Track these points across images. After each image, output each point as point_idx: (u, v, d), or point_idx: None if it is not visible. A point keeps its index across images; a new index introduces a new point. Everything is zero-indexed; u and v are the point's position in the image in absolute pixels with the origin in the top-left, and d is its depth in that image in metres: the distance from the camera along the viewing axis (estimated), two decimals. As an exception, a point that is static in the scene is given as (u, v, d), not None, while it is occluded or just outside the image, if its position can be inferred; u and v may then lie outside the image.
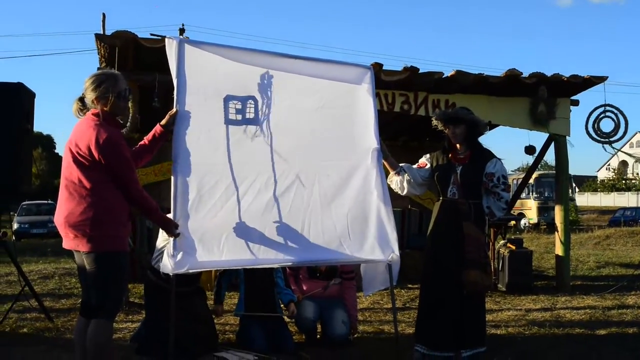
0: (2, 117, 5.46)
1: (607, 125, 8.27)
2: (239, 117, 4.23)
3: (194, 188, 4.02)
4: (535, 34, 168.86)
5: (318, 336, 5.37)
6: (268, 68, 4.32)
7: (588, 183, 57.78)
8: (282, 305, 5.32)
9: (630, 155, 47.45)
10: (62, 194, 3.65)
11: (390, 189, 4.71)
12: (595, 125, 8.25)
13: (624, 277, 8.89)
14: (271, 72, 4.33)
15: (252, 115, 4.27)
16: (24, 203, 23.45)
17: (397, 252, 4.44)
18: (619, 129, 8.23)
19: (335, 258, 4.45)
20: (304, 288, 5.45)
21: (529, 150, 8.67)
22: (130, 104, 3.93)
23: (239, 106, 4.22)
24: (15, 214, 21.91)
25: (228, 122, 4.19)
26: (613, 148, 8.44)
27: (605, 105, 8.22)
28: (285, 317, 5.28)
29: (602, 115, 8.26)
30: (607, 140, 8.28)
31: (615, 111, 8.23)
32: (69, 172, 3.63)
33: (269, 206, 4.23)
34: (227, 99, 4.20)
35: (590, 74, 7.73)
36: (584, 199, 50.27)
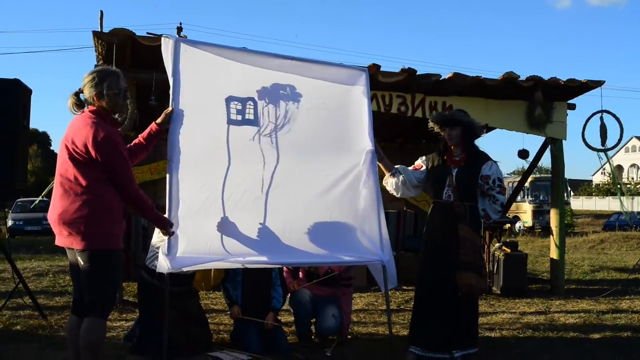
0: (-1, 113, 5.44)
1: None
2: (239, 117, 4.21)
3: (188, 187, 4.00)
4: (533, 37, 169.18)
5: (313, 336, 5.37)
6: (264, 68, 4.31)
7: (583, 187, 57.86)
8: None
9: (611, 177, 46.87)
10: (57, 190, 3.62)
11: (385, 191, 4.69)
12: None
13: (618, 282, 8.89)
14: (267, 72, 4.32)
15: (251, 117, 4.25)
16: (18, 200, 23.36)
17: (386, 254, 4.33)
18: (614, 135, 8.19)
19: (318, 258, 4.41)
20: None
21: (523, 154, 8.65)
22: (128, 102, 3.91)
23: (239, 107, 4.21)
24: (10, 211, 21.86)
25: (230, 122, 4.18)
26: (607, 156, 8.35)
27: (602, 111, 8.19)
28: (280, 318, 5.28)
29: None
30: (601, 148, 8.24)
31: (612, 117, 8.19)
32: (64, 168, 3.60)
33: (256, 205, 4.19)
34: (229, 100, 4.19)
35: (587, 78, 7.74)
36: (579, 203, 50.36)
